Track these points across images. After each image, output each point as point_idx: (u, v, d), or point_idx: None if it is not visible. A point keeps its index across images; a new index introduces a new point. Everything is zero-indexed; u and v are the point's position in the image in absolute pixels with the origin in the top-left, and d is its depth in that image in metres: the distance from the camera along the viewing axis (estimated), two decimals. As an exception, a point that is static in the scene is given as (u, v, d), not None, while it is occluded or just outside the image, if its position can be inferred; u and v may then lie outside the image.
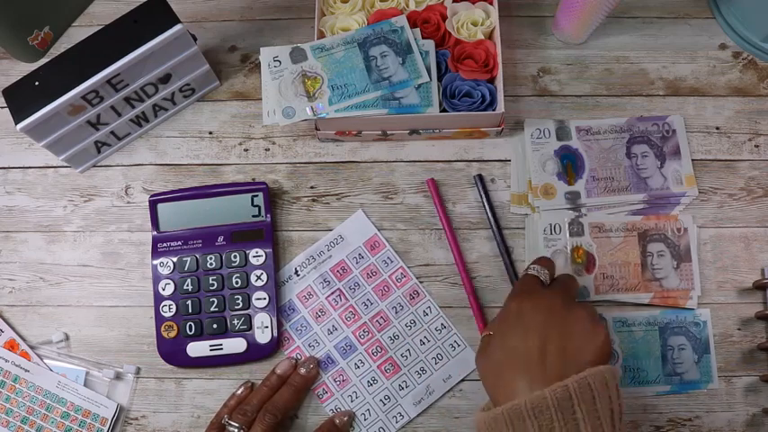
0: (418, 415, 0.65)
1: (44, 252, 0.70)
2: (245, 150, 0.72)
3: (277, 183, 0.71)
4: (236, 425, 0.61)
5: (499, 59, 0.67)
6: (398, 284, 0.68)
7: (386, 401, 0.65)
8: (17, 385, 0.65)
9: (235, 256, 0.67)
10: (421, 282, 0.68)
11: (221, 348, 0.66)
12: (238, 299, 0.66)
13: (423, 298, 0.67)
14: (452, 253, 0.68)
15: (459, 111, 0.67)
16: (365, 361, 0.66)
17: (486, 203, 0.69)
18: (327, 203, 0.70)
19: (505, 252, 0.68)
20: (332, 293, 0.68)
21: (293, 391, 0.64)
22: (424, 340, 0.66)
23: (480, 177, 0.69)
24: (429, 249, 0.69)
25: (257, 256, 0.67)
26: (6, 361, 0.66)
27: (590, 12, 0.68)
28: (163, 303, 0.67)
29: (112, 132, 0.70)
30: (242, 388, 0.65)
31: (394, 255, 0.68)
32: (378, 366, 0.66)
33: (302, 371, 0.65)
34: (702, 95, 0.73)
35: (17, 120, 0.62)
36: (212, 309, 0.66)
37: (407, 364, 0.66)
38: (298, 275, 0.68)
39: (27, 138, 0.66)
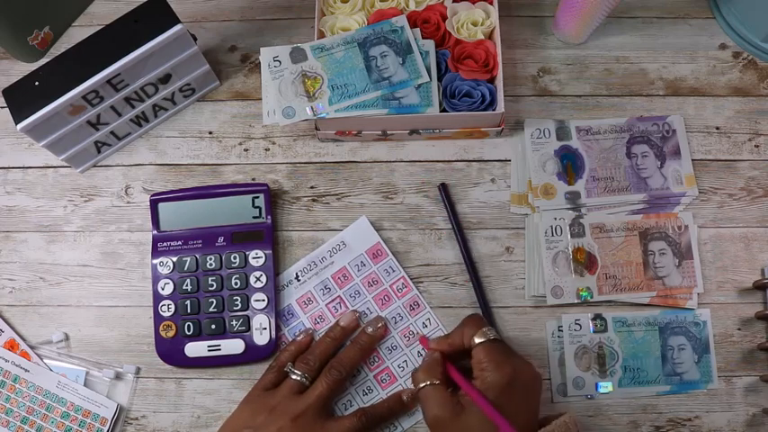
0: (411, 426, 0.64)
1: (44, 252, 0.70)
2: (245, 150, 0.73)
3: (277, 183, 0.71)
4: (300, 373, 0.61)
5: (499, 59, 0.67)
6: (399, 294, 0.67)
7: None
8: (17, 385, 0.65)
9: (234, 257, 0.67)
10: (421, 282, 0.68)
11: (219, 349, 0.66)
12: (237, 300, 0.66)
13: (422, 309, 0.67)
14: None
15: (459, 111, 0.67)
16: (361, 370, 0.65)
17: (450, 215, 0.69)
18: (327, 203, 0.70)
19: (472, 270, 0.67)
20: (332, 300, 0.67)
21: (359, 349, 0.64)
22: (422, 352, 0.66)
23: (444, 187, 0.69)
24: (429, 249, 0.69)
25: (257, 257, 0.67)
26: (6, 361, 0.66)
27: (590, 12, 0.68)
28: (162, 303, 0.67)
29: (112, 132, 0.70)
30: (303, 334, 0.65)
31: (396, 264, 0.68)
32: (374, 376, 0.65)
33: (369, 330, 0.65)
34: (702, 95, 0.73)
35: (17, 120, 0.62)
36: (211, 309, 0.66)
37: (404, 375, 0.65)
38: (298, 281, 0.68)
39: (27, 138, 0.66)
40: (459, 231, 0.68)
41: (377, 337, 0.65)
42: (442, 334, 0.66)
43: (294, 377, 0.61)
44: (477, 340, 0.57)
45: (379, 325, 0.65)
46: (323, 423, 0.60)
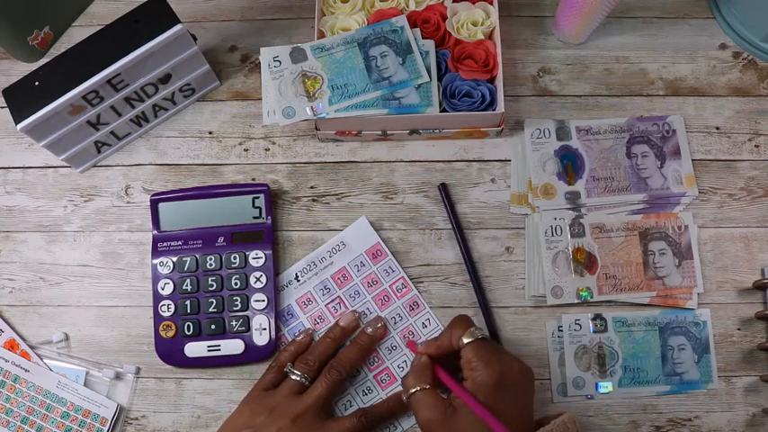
0: (411, 426, 0.64)
1: (44, 252, 0.70)
2: (245, 150, 0.73)
3: (277, 183, 0.71)
4: (299, 373, 0.61)
5: (499, 59, 0.67)
6: (398, 295, 0.67)
7: None
8: (17, 385, 0.65)
9: (234, 258, 0.67)
10: (421, 282, 0.68)
11: (219, 349, 0.66)
12: (237, 300, 0.66)
13: (422, 309, 0.67)
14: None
15: (460, 111, 0.67)
16: (361, 370, 0.65)
17: (450, 215, 0.68)
18: (327, 203, 0.70)
19: (472, 270, 0.67)
20: (332, 301, 0.67)
21: (359, 350, 0.64)
22: None
23: (444, 186, 0.69)
24: (429, 249, 0.69)
25: (257, 257, 0.67)
26: (6, 361, 0.66)
27: (590, 12, 0.68)
28: (162, 303, 0.67)
29: (112, 132, 0.70)
30: (302, 334, 0.65)
31: (396, 264, 0.68)
32: (374, 377, 0.65)
33: (369, 330, 0.65)
34: (702, 95, 0.73)
35: (17, 120, 0.62)
36: (211, 309, 0.66)
37: (403, 375, 0.65)
38: (298, 281, 0.68)
39: (27, 138, 0.66)
40: (459, 231, 0.68)
41: (377, 338, 0.65)
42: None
43: (294, 377, 0.61)
44: (465, 340, 0.57)
45: (379, 325, 0.65)
46: (322, 423, 0.60)
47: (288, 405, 0.60)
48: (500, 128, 0.69)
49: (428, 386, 0.57)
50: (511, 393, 0.55)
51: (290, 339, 0.66)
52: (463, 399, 0.54)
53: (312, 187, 0.71)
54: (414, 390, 0.57)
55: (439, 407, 0.55)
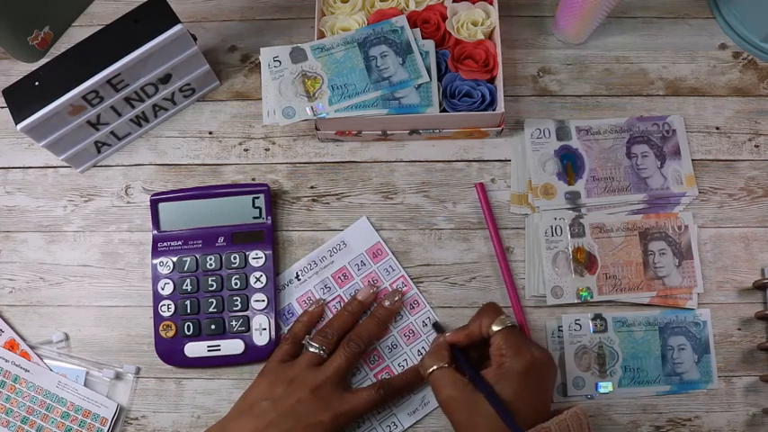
0: (412, 426, 0.64)
1: (44, 252, 0.70)
2: (245, 150, 0.73)
3: (277, 183, 0.71)
4: (318, 346, 0.62)
5: (499, 59, 0.67)
6: None
7: (380, 410, 0.64)
8: (17, 385, 0.65)
9: (234, 258, 0.67)
10: (421, 282, 0.68)
11: (219, 349, 0.66)
12: (237, 300, 0.66)
13: (422, 308, 0.67)
14: (499, 263, 0.67)
15: (460, 111, 0.67)
16: (361, 369, 0.66)
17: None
18: (327, 203, 0.70)
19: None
20: (332, 299, 0.67)
21: (377, 322, 0.65)
22: (422, 351, 0.66)
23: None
24: (429, 249, 0.69)
25: (257, 257, 0.67)
26: (6, 361, 0.66)
27: (590, 12, 0.68)
28: (162, 303, 0.67)
29: (112, 132, 0.70)
30: (314, 305, 0.66)
31: (396, 263, 0.68)
32: (374, 375, 0.65)
33: (387, 303, 0.65)
34: (702, 95, 0.73)
35: (17, 120, 0.62)
36: (211, 309, 0.66)
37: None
38: (299, 280, 0.68)
39: (27, 138, 0.66)
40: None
41: (394, 310, 0.66)
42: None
43: (312, 350, 0.62)
44: (495, 328, 0.57)
45: (396, 298, 0.66)
46: (341, 394, 0.61)
47: (306, 376, 0.60)
48: (500, 128, 0.69)
49: (446, 364, 0.57)
50: (536, 382, 0.56)
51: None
52: (478, 388, 0.54)
53: (312, 187, 0.71)
54: (432, 369, 0.57)
55: (458, 383, 0.56)
